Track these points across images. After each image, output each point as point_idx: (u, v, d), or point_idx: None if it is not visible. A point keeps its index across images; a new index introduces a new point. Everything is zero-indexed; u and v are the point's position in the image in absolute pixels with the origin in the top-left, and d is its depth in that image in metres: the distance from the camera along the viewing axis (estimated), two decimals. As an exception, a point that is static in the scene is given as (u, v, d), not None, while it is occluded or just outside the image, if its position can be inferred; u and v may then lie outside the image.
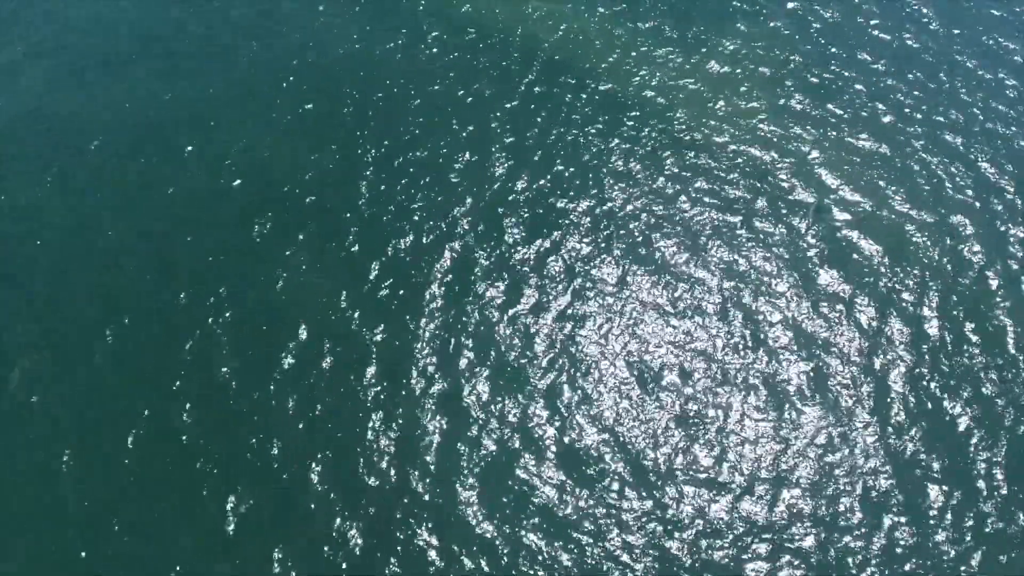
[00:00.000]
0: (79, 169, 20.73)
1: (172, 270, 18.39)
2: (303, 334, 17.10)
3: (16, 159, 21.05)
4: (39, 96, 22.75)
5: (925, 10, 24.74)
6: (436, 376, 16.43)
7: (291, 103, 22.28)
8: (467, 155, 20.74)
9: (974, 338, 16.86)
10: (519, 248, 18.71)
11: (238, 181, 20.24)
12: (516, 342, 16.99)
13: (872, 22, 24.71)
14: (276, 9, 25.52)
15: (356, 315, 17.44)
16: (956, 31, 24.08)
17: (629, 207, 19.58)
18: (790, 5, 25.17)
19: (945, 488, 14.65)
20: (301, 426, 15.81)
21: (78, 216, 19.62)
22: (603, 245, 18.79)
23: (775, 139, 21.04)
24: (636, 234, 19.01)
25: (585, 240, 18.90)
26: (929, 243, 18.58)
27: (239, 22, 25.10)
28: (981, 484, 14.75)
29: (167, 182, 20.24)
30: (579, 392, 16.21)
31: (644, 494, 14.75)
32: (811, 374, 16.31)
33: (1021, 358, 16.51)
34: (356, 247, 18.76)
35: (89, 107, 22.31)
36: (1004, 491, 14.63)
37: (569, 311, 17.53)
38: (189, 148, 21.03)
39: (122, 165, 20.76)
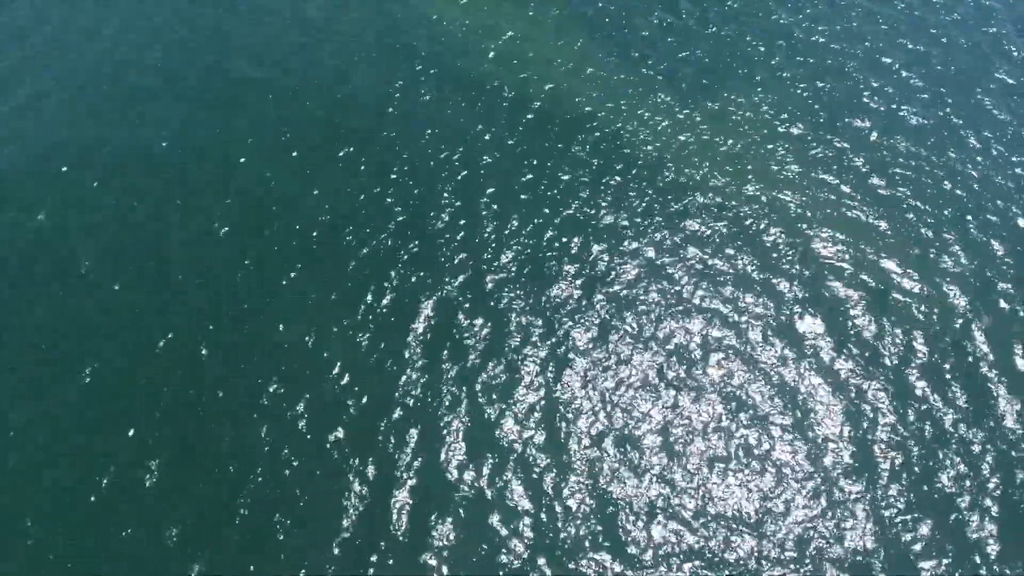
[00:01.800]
0: (95, 198, 20.85)
1: (179, 298, 18.51)
2: (299, 371, 17.15)
3: (34, 189, 21.15)
4: (61, 128, 22.86)
5: (913, 76, 25.28)
6: (413, 433, 16.25)
7: (304, 139, 22.45)
8: (469, 199, 20.76)
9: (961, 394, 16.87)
10: (518, 300, 18.54)
11: (246, 213, 20.39)
12: (496, 401, 16.71)
13: (865, 77, 25.23)
14: (291, 46, 25.76)
15: (345, 356, 17.43)
16: (947, 94, 24.70)
17: (617, 260, 19.41)
18: (794, 63, 25.65)
19: (933, 549, 14.61)
20: (277, 469, 15.76)
21: (89, 245, 19.70)
22: (595, 299, 18.67)
23: (768, 195, 21.07)
24: (623, 290, 18.83)
25: (575, 292, 18.74)
26: (915, 300, 18.52)
27: (257, 59, 25.39)
28: (970, 541, 14.71)
29: (179, 214, 20.38)
30: (559, 456, 15.90)
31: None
32: (793, 432, 16.18)
33: (1008, 415, 16.44)
34: (350, 286, 18.75)
35: (108, 140, 22.45)
36: (994, 550, 14.59)
37: (554, 366, 17.24)
38: (203, 181, 21.26)
39: (137, 195, 20.87)
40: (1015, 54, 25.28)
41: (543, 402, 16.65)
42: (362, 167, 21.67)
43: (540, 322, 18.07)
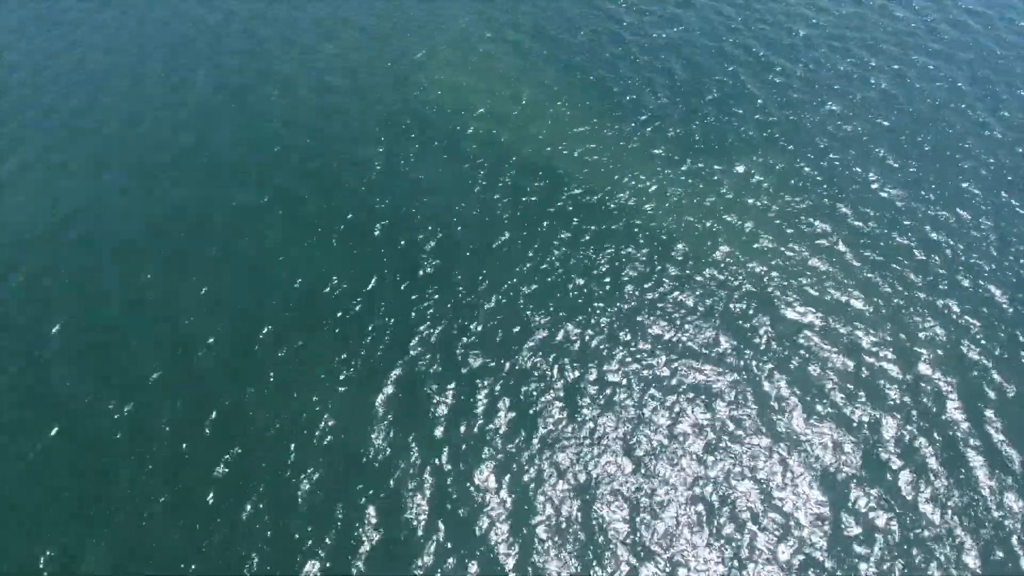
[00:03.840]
0: (110, 267, 21.51)
1: (190, 368, 18.73)
2: (303, 441, 17.26)
3: (53, 259, 21.79)
4: (84, 198, 23.75)
5: (890, 152, 26.45)
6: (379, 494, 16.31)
7: (318, 214, 23.06)
8: (481, 271, 21.16)
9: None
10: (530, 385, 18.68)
11: (258, 287, 20.80)
12: (463, 463, 16.88)
13: (845, 151, 26.24)
14: (307, 117, 27.04)
15: (351, 426, 17.55)
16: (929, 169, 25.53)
17: (589, 323, 19.77)
18: (777, 138, 26.73)
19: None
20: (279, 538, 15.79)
21: (102, 314, 20.14)
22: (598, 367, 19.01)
23: (744, 264, 21.72)
24: (595, 355, 19.16)
25: (546, 357, 18.99)
26: (888, 369, 18.80)
27: (277, 132, 26.49)
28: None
29: (191, 283, 20.85)
30: (523, 521, 15.94)
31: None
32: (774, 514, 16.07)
33: (984, 486, 16.47)
34: (361, 357, 18.92)
35: (126, 212, 23.31)
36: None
37: (523, 432, 17.38)
38: (215, 253, 21.80)
39: (152, 267, 21.45)
40: (988, 134, 26.16)
41: (509, 466, 16.67)
42: (392, 234, 22.23)
43: (511, 387, 18.19)
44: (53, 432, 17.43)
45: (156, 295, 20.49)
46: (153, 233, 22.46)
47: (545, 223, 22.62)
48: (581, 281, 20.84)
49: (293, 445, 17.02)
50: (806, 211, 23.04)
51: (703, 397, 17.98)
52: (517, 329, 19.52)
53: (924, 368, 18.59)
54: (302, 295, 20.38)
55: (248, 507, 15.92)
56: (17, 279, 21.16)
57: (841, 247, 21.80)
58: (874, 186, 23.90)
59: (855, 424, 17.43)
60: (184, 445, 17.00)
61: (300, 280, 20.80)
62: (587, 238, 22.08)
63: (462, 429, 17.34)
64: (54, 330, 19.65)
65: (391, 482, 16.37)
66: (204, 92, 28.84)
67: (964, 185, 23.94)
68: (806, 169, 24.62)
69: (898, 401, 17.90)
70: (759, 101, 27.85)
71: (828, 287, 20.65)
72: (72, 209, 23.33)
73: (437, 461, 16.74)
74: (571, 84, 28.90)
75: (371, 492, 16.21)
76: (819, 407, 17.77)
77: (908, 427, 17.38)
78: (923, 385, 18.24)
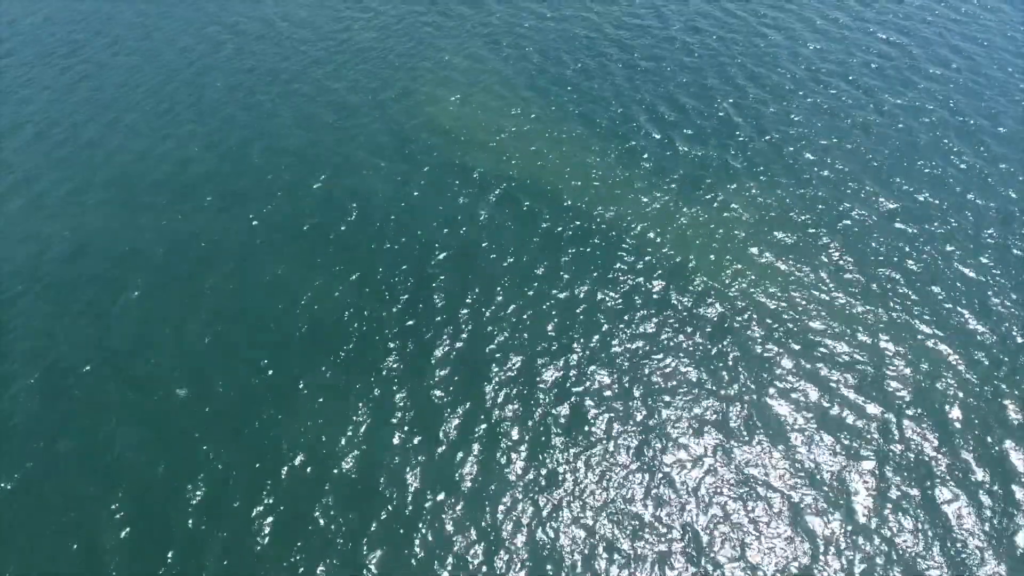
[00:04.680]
0: (122, 295, 22.69)
1: (203, 397, 19.62)
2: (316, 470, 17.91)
3: (60, 286, 23.06)
4: (99, 226, 25.15)
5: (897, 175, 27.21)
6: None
7: (326, 243, 24.15)
8: (487, 299, 21.95)
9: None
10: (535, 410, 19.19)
11: (265, 313, 21.78)
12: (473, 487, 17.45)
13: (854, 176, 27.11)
14: (328, 152, 28.27)
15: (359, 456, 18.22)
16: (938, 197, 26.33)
17: (600, 352, 20.36)
18: (786, 164, 27.48)
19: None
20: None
21: (113, 343, 21.29)
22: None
23: (756, 289, 22.30)
24: (606, 382, 19.67)
25: (556, 384, 19.59)
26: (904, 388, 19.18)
27: (292, 164, 27.78)
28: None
29: (200, 312, 21.99)
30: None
31: None
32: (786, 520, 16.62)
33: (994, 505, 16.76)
34: (374, 386, 19.67)
35: (143, 238, 24.61)
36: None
37: (535, 465, 17.88)
38: (229, 284, 22.87)
39: (165, 296, 22.60)
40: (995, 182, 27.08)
41: (519, 499, 17.24)
42: (399, 265, 23.10)
43: (521, 415, 18.89)
44: (61, 448, 18.59)
45: (169, 326, 21.57)
46: (163, 261, 23.75)
47: (549, 250, 23.64)
48: (587, 308, 21.66)
49: (308, 468, 17.86)
50: (815, 234, 23.89)
51: (705, 427, 18.60)
52: (524, 356, 20.36)
53: (936, 406, 18.86)
54: (307, 323, 21.33)
55: (258, 535, 16.71)
56: (29, 301, 22.46)
57: (844, 276, 22.57)
58: (874, 217, 24.69)
59: (862, 455, 17.96)
60: (197, 475, 17.88)
61: (305, 307, 21.76)
62: (595, 265, 22.98)
63: (471, 457, 18.05)
64: (61, 357, 20.80)
65: (403, 511, 17.03)
66: (211, 113, 30.62)
67: (968, 215, 24.59)
68: (806, 197, 25.49)
69: (915, 413, 18.50)
70: (757, 130, 28.99)
71: (842, 304, 21.44)
72: (78, 239, 24.62)
73: (445, 489, 17.39)
74: (569, 111, 30.17)
75: (383, 519, 16.87)
76: (831, 420, 18.47)
77: (924, 468, 17.58)
78: (940, 421, 18.57)
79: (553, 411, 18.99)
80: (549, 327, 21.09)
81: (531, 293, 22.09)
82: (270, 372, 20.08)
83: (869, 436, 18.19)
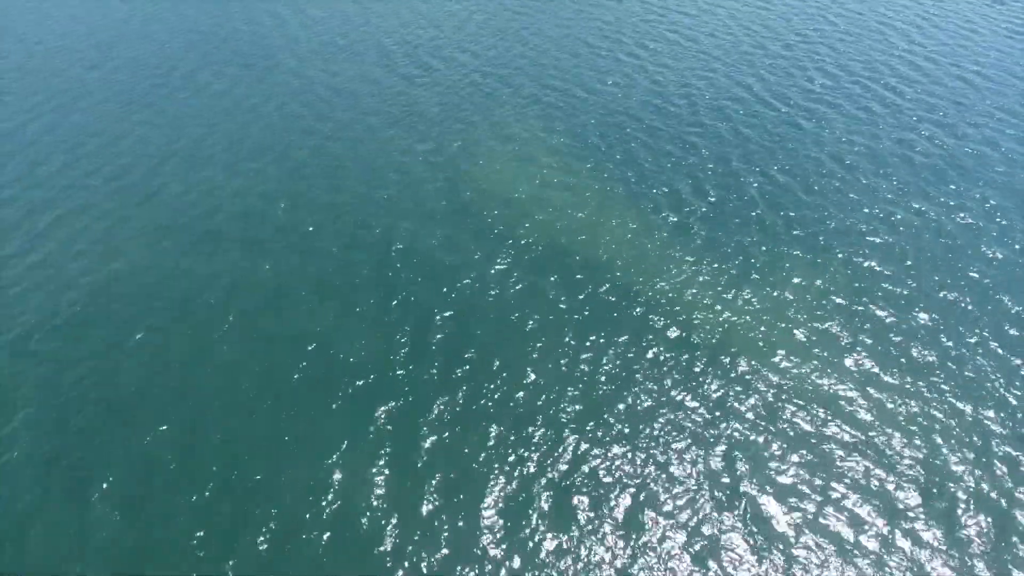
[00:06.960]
0: (145, 331, 22.80)
1: (229, 439, 19.24)
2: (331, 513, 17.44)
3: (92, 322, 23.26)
4: (137, 262, 25.70)
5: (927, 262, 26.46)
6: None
7: (354, 286, 24.22)
8: (512, 355, 21.58)
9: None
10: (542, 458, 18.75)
11: (277, 355, 21.58)
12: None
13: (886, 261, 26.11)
14: (353, 197, 28.76)
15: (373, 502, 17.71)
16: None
17: (618, 417, 19.77)
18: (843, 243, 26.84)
19: None
20: None
21: (126, 381, 21.11)
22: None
23: (796, 370, 21.62)
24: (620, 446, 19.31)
25: (565, 443, 19.00)
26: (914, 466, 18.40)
27: (324, 210, 28.23)
28: None
29: (214, 351, 21.93)
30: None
31: None
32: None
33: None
34: (390, 429, 19.33)
35: (182, 275, 25.08)
36: None
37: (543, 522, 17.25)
38: (258, 324, 22.84)
39: (194, 333, 22.61)
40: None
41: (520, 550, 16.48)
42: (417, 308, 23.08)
43: (529, 468, 18.21)
44: (54, 480, 18.01)
45: (178, 362, 21.49)
46: (181, 302, 23.85)
47: (566, 309, 23.12)
48: (603, 366, 21.08)
49: (307, 515, 17.21)
50: (856, 316, 23.00)
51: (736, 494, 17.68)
52: (530, 410, 19.79)
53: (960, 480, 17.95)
54: (319, 365, 21.07)
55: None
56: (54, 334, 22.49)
57: (880, 353, 21.62)
58: (911, 299, 23.73)
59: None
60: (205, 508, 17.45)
61: (317, 350, 21.55)
62: (616, 329, 22.36)
63: (476, 505, 17.38)
64: (71, 392, 20.59)
65: (399, 557, 16.34)
66: (241, 161, 31.17)
67: (1002, 298, 23.57)
68: (860, 274, 24.82)
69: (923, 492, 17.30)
70: (798, 203, 28.26)
71: (856, 394, 20.40)
72: (94, 284, 24.76)
73: (439, 540, 16.67)
74: (606, 173, 29.82)
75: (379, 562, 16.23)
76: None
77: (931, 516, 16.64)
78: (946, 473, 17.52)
79: (564, 465, 18.32)
80: (576, 393, 20.40)
81: (563, 363, 21.36)
82: (275, 407, 19.84)
83: (935, 547, 16.50)
